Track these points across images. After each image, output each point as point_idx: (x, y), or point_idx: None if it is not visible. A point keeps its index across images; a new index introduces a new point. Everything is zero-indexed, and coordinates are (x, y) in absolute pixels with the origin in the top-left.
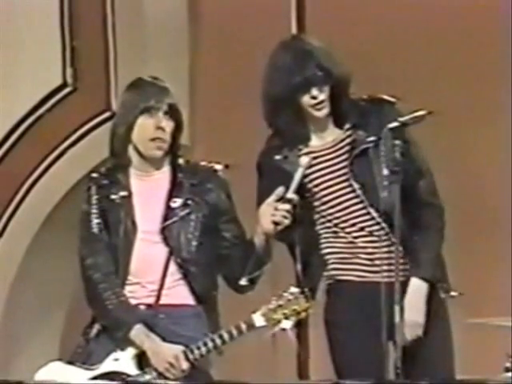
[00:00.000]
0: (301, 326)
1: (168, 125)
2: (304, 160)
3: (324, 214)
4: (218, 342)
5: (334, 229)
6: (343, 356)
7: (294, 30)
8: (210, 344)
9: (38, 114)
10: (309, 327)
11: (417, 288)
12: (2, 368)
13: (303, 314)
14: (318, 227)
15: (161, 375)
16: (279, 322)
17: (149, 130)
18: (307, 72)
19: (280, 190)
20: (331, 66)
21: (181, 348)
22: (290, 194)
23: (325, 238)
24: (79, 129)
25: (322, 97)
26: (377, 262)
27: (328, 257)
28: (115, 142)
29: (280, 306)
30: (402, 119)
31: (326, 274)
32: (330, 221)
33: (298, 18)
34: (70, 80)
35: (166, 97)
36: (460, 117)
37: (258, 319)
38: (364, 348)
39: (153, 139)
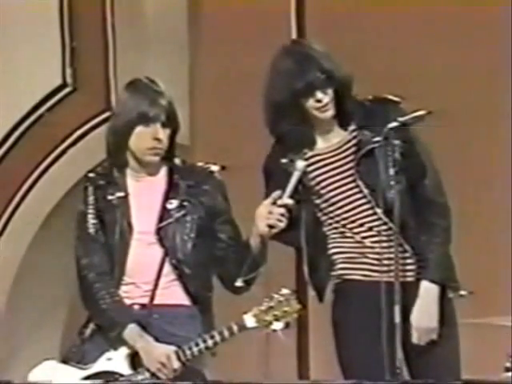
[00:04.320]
0: (301, 325)
1: (165, 133)
2: (300, 164)
3: (332, 215)
4: (210, 342)
5: (342, 229)
6: (350, 355)
7: (293, 29)
8: (202, 345)
9: (38, 114)
10: (309, 327)
11: (427, 291)
12: (3, 367)
13: (294, 316)
14: (326, 228)
15: (153, 375)
16: (270, 323)
17: (146, 139)
18: (310, 76)
19: (277, 193)
20: (333, 68)
21: (173, 348)
22: (285, 199)
23: (332, 238)
24: (79, 129)
25: (326, 99)
26: (385, 262)
27: (336, 257)
28: (112, 144)
29: (271, 307)
30: (401, 119)
31: (333, 273)
32: (337, 221)
33: (297, 18)
34: (69, 80)
35: (163, 104)
36: (460, 117)
37: (249, 320)
38: (371, 348)
39: (150, 148)
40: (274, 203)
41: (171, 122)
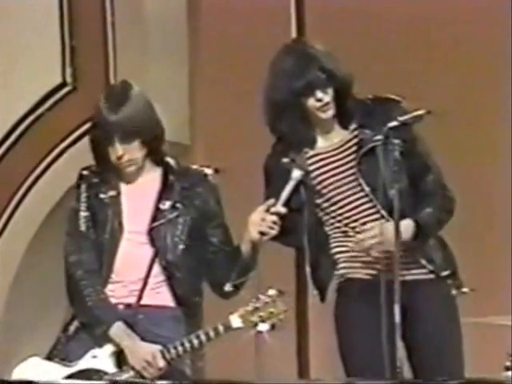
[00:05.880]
0: (301, 325)
1: (128, 149)
2: (296, 173)
3: (333, 214)
4: (195, 342)
5: (344, 228)
6: (353, 354)
7: (293, 29)
8: (187, 344)
9: (38, 114)
10: (309, 327)
11: (405, 224)
12: (3, 367)
13: (280, 317)
14: (327, 228)
15: (138, 373)
16: (256, 324)
17: (113, 157)
18: (310, 75)
19: (271, 200)
20: (333, 67)
21: (158, 347)
22: (279, 206)
23: (334, 237)
24: (79, 128)
25: (326, 99)
26: (386, 261)
27: (338, 256)
28: (96, 156)
29: (257, 308)
30: (401, 118)
31: (336, 272)
32: (339, 221)
33: (297, 18)
34: (69, 79)
35: (113, 119)
36: (461, 117)
37: (235, 321)
38: (374, 346)
39: (119, 164)
40: (268, 210)
41: (130, 134)
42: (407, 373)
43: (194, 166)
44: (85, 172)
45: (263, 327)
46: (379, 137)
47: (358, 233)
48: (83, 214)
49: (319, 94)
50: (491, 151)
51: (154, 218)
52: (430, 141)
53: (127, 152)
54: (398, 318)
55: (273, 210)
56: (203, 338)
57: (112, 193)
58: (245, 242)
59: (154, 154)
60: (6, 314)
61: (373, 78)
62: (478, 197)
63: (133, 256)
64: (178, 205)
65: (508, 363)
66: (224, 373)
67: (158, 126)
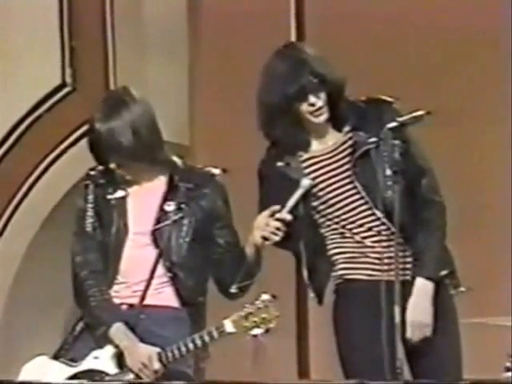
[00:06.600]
0: (301, 326)
1: (118, 163)
2: (305, 182)
3: (330, 216)
4: (191, 346)
5: (342, 230)
6: (351, 355)
7: (293, 32)
8: (183, 348)
9: (38, 114)
10: (309, 328)
11: (422, 288)
12: (3, 368)
13: (273, 322)
14: (324, 230)
15: (137, 375)
16: (249, 329)
17: (110, 165)
18: (302, 80)
19: (276, 207)
20: (325, 71)
21: (156, 350)
22: (284, 213)
23: (332, 239)
24: (78, 129)
25: (319, 103)
26: (386, 261)
27: (336, 257)
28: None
29: (250, 313)
30: (400, 119)
31: (334, 274)
32: (337, 223)
33: (297, 19)
34: (69, 80)
35: (113, 153)
36: (460, 117)
37: (229, 325)
38: (373, 347)
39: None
40: (272, 215)
41: (120, 149)
42: (407, 374)
43: (201, 166)
44: (92, 172)
45: (256, 332)
46: (374, 139)
47: (356, 234)
48: (90, 214)
49: (312, 99)
50: (491, 151)
51: (159, 220)
52: (429, 141)
53: (121, 164)
54: (398, 318)
55: (278, 216)
56: (199, 342)
57: (118, 194)
58: (249, 244)
59: (152, 162)
60: (6, 316)
61: (372, 81)
62: (478, 196)
63: (137, 257)
64: (183, 206)
65: (508, 364)
66: (225, 374)
67: (154, 140)
